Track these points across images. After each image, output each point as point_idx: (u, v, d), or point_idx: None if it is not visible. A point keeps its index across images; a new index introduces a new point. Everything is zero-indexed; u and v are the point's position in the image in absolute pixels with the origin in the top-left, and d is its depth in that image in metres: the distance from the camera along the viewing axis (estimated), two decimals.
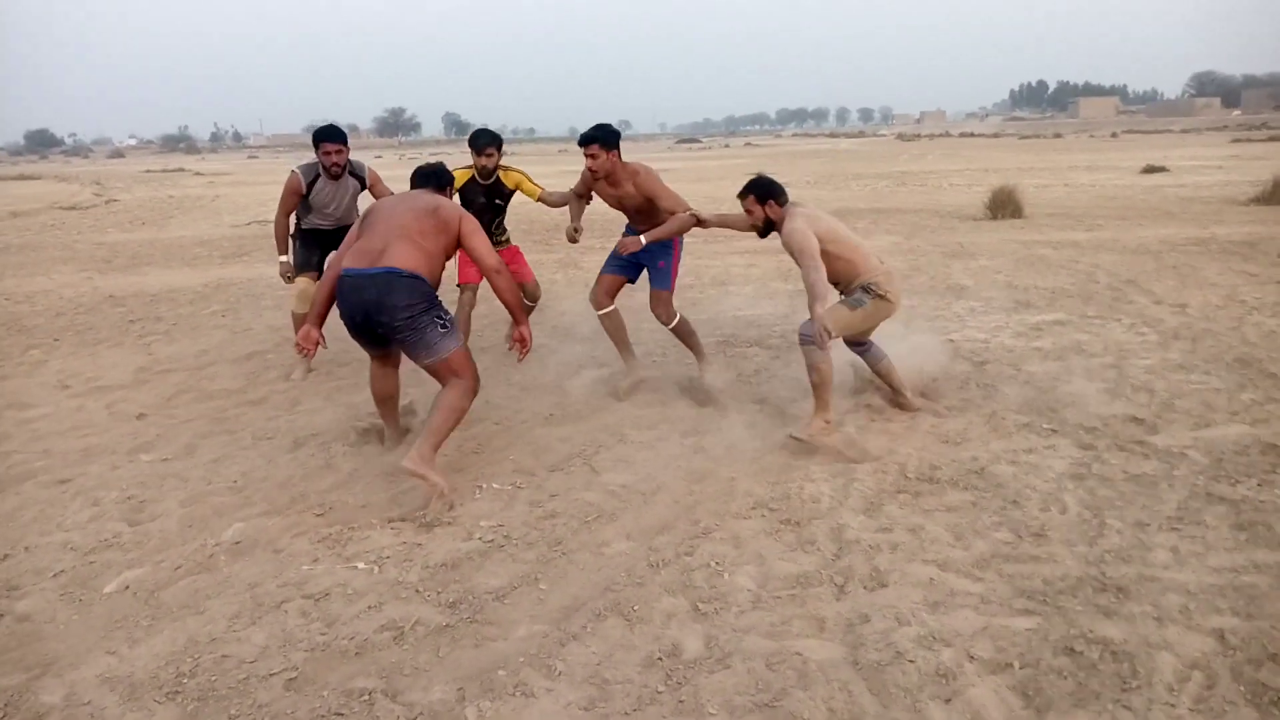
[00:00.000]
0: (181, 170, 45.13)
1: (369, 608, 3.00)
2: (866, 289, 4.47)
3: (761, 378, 5.49)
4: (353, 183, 5.84)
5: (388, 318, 3.80)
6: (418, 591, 3.09)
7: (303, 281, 5.82)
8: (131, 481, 4.15)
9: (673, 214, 4.99)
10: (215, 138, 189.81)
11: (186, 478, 4.18)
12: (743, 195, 4.60)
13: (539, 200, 5.85)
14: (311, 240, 5.90)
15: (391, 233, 3.93)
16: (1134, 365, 5.41)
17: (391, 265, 3.82)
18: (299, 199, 5.75)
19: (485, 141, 5.64)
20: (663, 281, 5.22)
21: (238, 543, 3.50)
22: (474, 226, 4.09)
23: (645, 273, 5.29)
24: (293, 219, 5.93)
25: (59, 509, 3.87)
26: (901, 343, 5.30)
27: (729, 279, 9.04)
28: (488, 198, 5.82)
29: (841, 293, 4.58)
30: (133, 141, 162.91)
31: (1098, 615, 2.79)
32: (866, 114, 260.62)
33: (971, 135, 64.48)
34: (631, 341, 5.45)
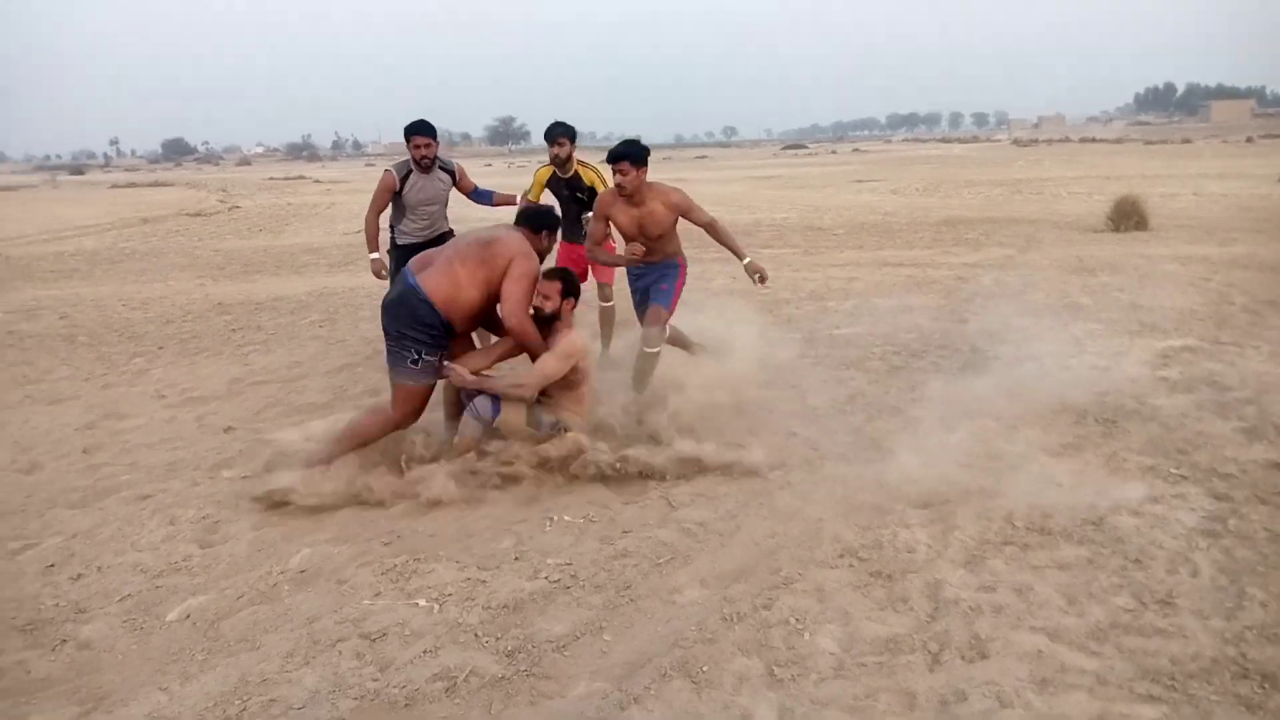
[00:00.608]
0: (302, 178, 46.93)
1: (425, 652, 2.85)
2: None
3: (856, 405, 5.18)
4: (443, 176, 5.93)
5: (387, 324, 4.17)
6: (476, 636, 2.93)
7: None
8: (209, 500, 4.14)
9: (710, 223, 5.02)
10: (336, 145, 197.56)
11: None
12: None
13: None
14: (408, 258, 5.89)
15: (442, 254, 4.22)
16: (1276, 401, 4.87)
17: (418, 284, 4.12)
18: (391, 195, 5.86)
19: (557, 132, 5.87)
20: (664, 299, 5.10)
21: (303, 571, 3.42)
22: (520, 273, 4.15)
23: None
24: (389, 236, 6.01)
25: (136, 527, 3.88)
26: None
27: (827, 293, 8.69)
28: (569, 190, 6.02)
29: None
30: (259, 149, 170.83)
31: (1237, 708, 2.42)
32: (981, 119, 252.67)
33: (1093, 140, 61.65)
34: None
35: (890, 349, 6.40)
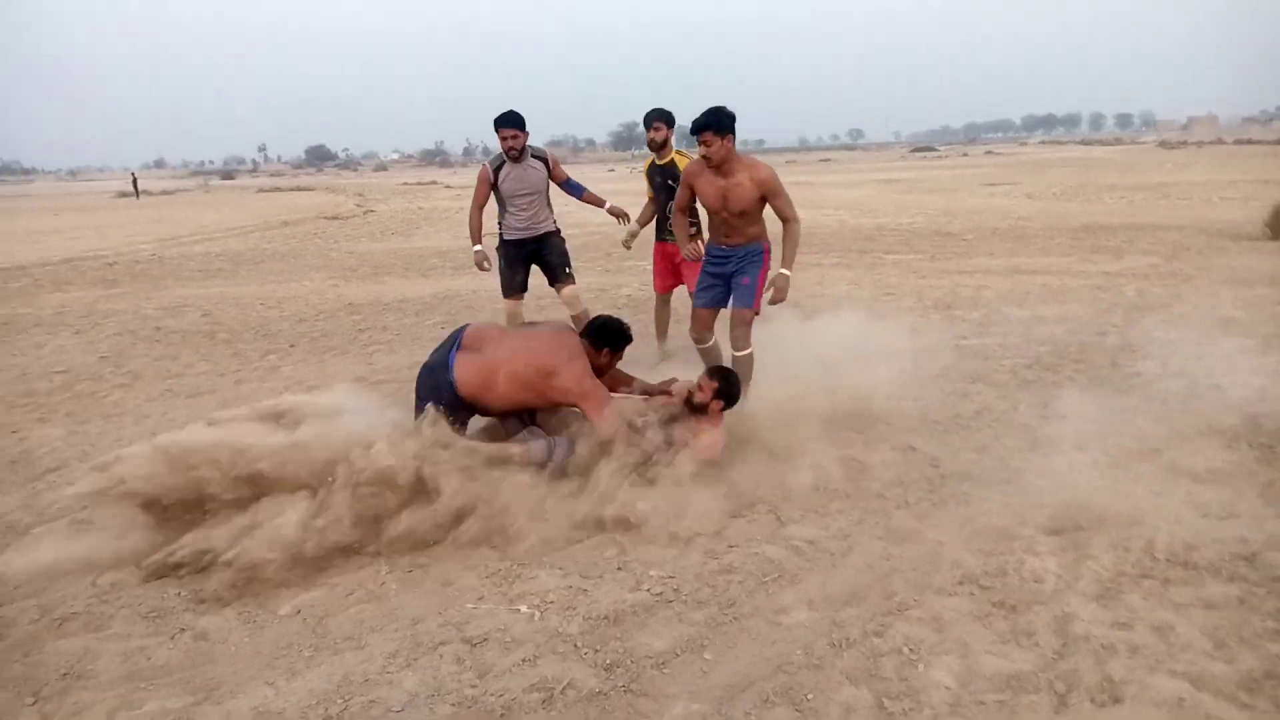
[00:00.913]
0: (434, 183, 48.50)
1: (524, 660, 2.82)
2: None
3: (983, 420, 4.91)
4: (534, 164, 6.03)
5: (417, 387, 4.23)
6: (576, 647, 2.88)
7: (509, 304, 6.05)
8: None
9: (787, 221, 4.89)
10: (467, 152, 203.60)
11: None
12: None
13: None
14: (514, 254, 6.10)
15: (500, 347, 4.16)
16: None
17: (453, 364, 4.10)
18: (489, 188, 6.02)
19: (654, 116, 5.95)
20: (746, 299, 4.93)
21: (410, 571, 3.45)
22: (585, 397, 4.06)
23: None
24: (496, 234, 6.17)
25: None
26: None
27: (955, 302, 8.33)
28: (663, 178, 6.07)
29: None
30: (395, 156, 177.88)
31: None
32: (1124, 119, 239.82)
33: (1249, 142, 57.60)
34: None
35: (1021, 362, 6.07)
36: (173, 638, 3.06)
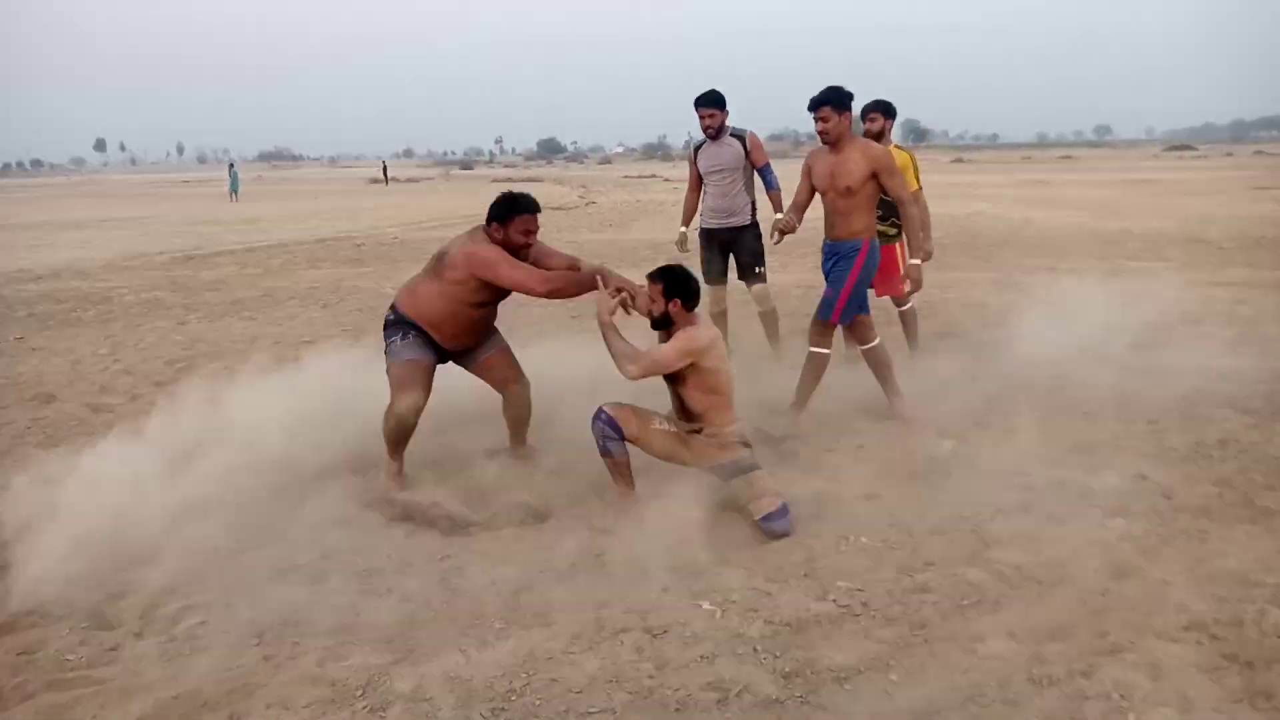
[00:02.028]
0: (654, 176, 49.46)
1: (702, 657, 2.81)
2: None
3: (1228, 451, 4.41)
4: (731, 143, 6.07)
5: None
6: (755, 650, 2.83)
7: (709, 289, 6.14)
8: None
9: (901, 204, 4.72)
10: (687, 145, 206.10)
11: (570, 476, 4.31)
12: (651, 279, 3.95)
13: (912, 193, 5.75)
14: (711, 242, 6.21)
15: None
16: None
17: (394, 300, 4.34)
18: (694, 168, 6.22)
19: (870, 107, 5.82)
20: (824, 310, 4.83)
21: (599, 555, 3.53)
22: (488, 266, 4.04)
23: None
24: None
25: None
26: None
27: (1205, 316, 7.53)
28: None
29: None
30: (620, 149, 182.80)
31: None
32: None
33: None
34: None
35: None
36: (380, 596, 3.28)
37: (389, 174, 54.55)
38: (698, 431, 3.87)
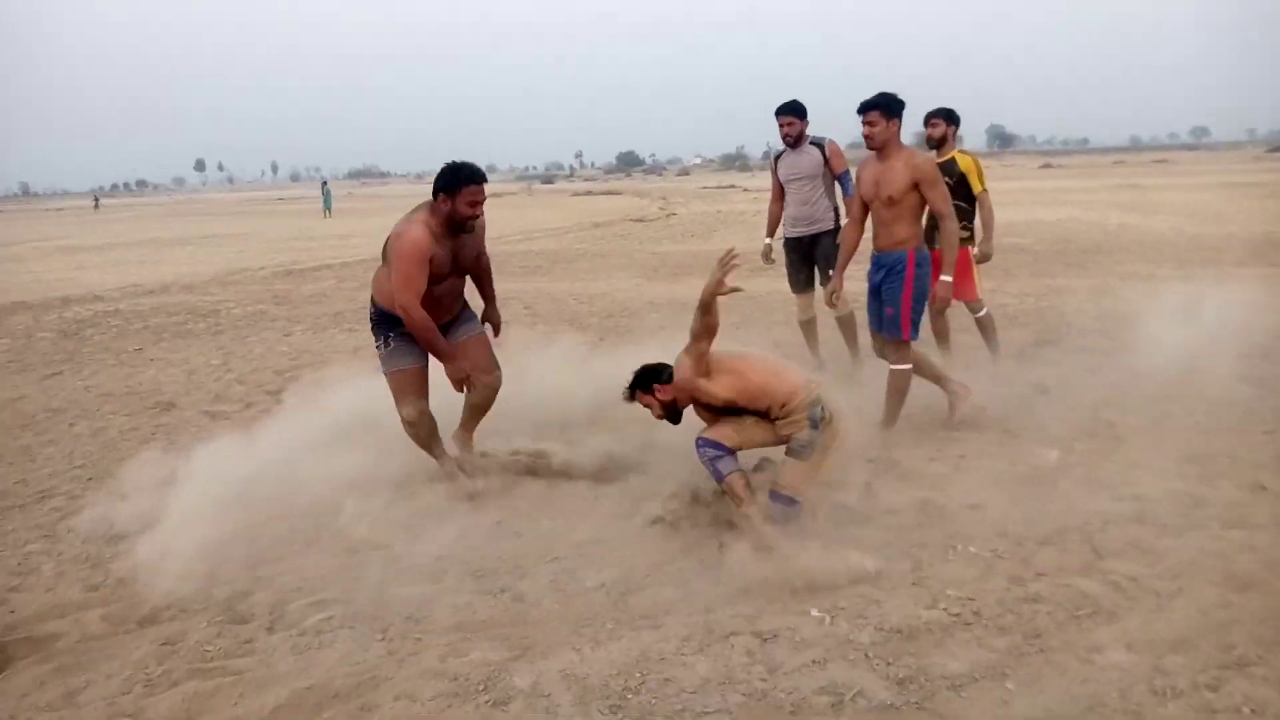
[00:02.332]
0: (733, 187, 49.36)
1: (813, 662, 2.83)
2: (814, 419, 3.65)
3: None
4: (810, 150, 6.10)
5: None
6: (866, 656, 2.85)
7: (798, 300, 6.19)
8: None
9: (941, 217, 4.61)
10: (766, 155, 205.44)
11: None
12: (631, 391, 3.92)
13: (977, 196, 5.83)
14: (793, 252, 6.26)
15: None
16: None
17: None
18: (775, 177, 6.26)
19: (932, 113, 5.90)
20: (893, 329, 4.75)
21: (702, 560, 3.57)
22: (395, 257, 4.01)
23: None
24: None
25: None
26: None
27: None
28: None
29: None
30: (698, 160, 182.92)
31: None
32: None
33: None
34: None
35: None
36: (494, 595, 3.39)
37: None
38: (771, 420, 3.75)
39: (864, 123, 4.61)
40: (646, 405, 3.86)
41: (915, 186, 4.57)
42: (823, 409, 3.63)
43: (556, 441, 4.81)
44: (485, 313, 4.66)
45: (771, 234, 6.61)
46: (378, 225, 28.88)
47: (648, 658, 2.91)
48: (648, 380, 3.82)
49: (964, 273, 5.85)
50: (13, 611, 3.49)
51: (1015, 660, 2.78)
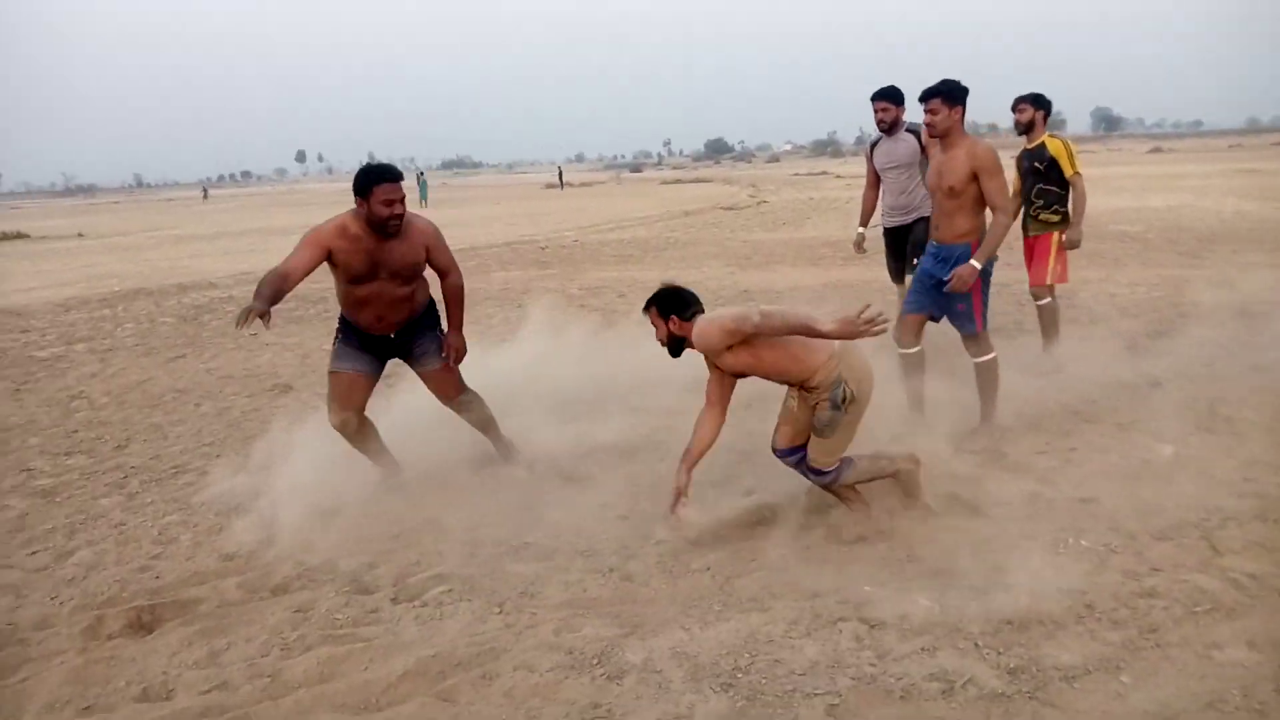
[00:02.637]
0: (825, 174, 48.74)
1: (922, 649, 2.86)
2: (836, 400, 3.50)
3: None
4: (906, 138, 5.99)
5: None
6: (976, 645, 2.86)
7: (898, 289, 6.14)
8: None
9: (995, 209, 4.46)
10: (859, 141, 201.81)
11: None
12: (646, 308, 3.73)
13: (1069, 179, 5.74)
14: (890, 241, 6.23)
15: None
16: None
17: None
18: (870, 165, 6.20)
19: (1020, 99, 5.81)
20: (967, 325, 4.66)
21: (808, 547, 3.62)
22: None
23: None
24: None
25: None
26: None
27: None
28: (1030, 162, 5.82)
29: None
30: (788, 146, 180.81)
31: None
32: None
33: None
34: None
35: None
36: (604, 575, 3.51)
37: (564, 179, 56.25)
38: (809, 390, 3.58)
39: (925, 110, 4.55)
40: (654, 325, 3.66)
41: (975, 177, 4.47)
42: (844, 389, 3.47)
43: (659, 422, 4.90)
44: (447, 338, 4.46)
45: (865, 223, 6.56)
46: (472, 214, 29.53)
47: (756, 639, 2.98)
48: (669, 307, 3.60)
49: (1041, 257, 5.85)
50: (158, 577, 3.75)
51: (1130, 654, 2.75)
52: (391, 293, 4.18)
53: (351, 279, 4.10)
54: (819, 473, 3.65)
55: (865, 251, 6.61)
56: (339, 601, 3.43)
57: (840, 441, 3.58)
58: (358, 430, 4.36)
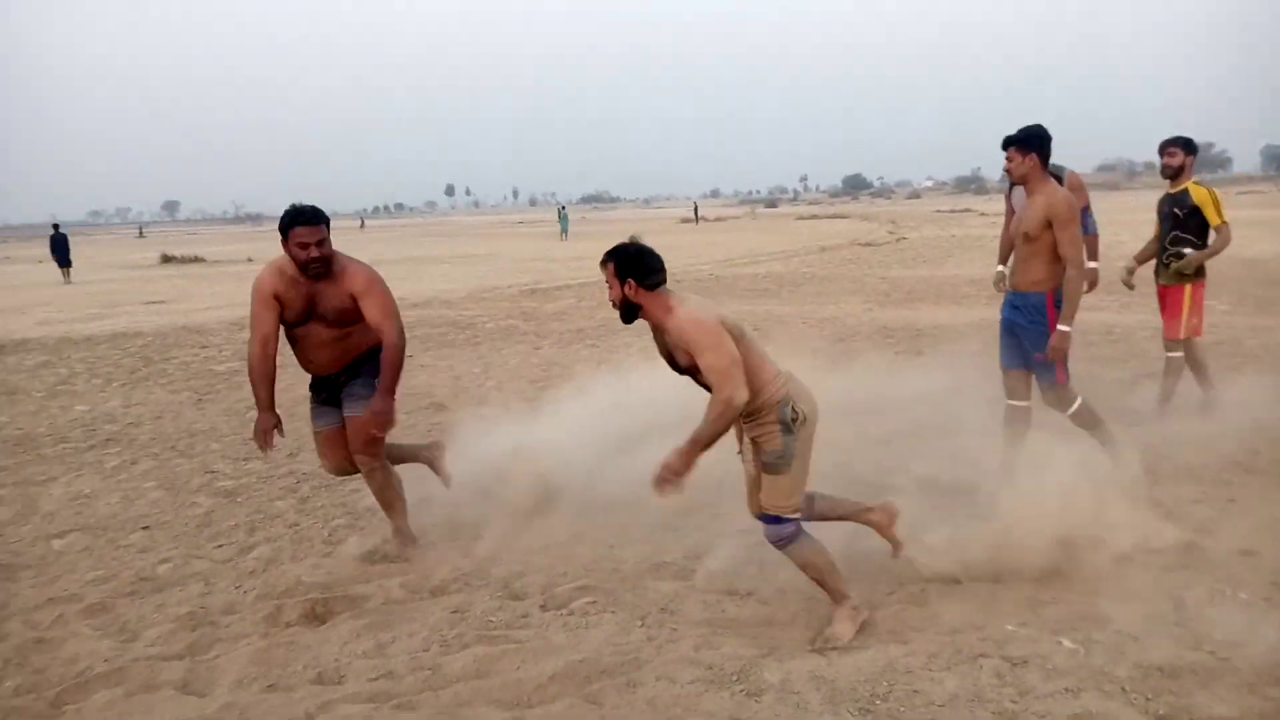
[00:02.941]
0: (968, 210, 47.53)
1: (1065, 690, 2.83)
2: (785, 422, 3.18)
3: None
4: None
5: None
6: (1123, 690, 2.81)
7: None
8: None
9: (1066, 261, 4.30)
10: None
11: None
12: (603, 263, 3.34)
13: (1215, 229, 5.54)
14: None
15: None
16: None
17: None
18: (1009, 204, 5.92)
19: (1167, 142, 5.63)
20: (1048, 375, 4.51)
21: (950, 584, 3.61)
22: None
23: None
24: None
25: None
26: None
27: None
28: (1169, 207, 5.71)
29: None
30: (929, 183, 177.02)
31: None
32: None
33: None
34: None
35: None
36: (741, 597, 3.61)
37: (699, 213, 56.80)
38: (752, 418, 3.24)
39: (1006, 157, 4.59)
40: (608, 284, 3.30)
41: (1050, 225, 4.39)
42: (793, 408, 3.19)
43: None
44: (372, 399, 4.05)
45: (1004, 261, 6.43)
46: (608, 247, 30.20)
47: (895, 669, 3.02)
48: (629, 269, 3.24)
49: (1174, 309, 5.69)
50: (329, 574, 4.08)
51: None
52: (319, 334, 4.08)
53: (289, 320, 4.06)
54: (777, 521, 3.26)
55: (1005, 290, 6.48)
56: (493, 605, 3.65)
57: (796, 478, 3.23)
58: (368, 476, 4.28)
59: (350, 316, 4.05)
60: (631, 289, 3.23)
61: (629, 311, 3.29)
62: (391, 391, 4.01)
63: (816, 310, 12.05)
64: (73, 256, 25.04)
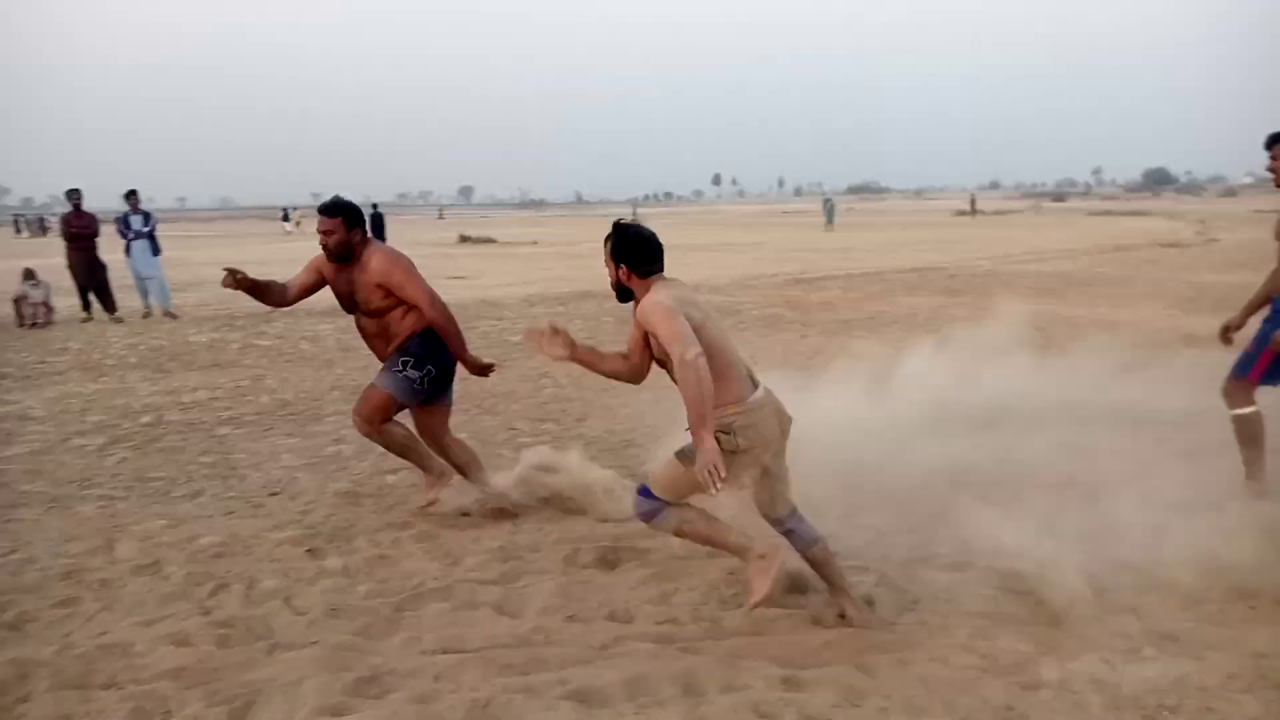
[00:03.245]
0: None
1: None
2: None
3: None
4: None
5: None
6: None
7: None
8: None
9: None
10: None
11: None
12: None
13: None
14: None
15: None
16: None
17: None
18: None
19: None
20: (1238, 366, 4.41)
21: (1253, 606, 3.38)
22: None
23: None
24: None
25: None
26: None
27: None
28: None
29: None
30: (1248, 179, 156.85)
31: None
32: None
33: None
34: None
35: None
36: (1019, 595, 3.56)
37: (975, 206, 54.00)
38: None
39: (1270, 156, 4.24)
40: (606, 265, 3.42)
41: None
42: (732, 436, 3.15)
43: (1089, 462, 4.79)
44: (462, 358, 4.58)
45: None
46: (878, 240, 29.54)
47: (1187, 684, 2.90)
48: (622, 253, 3.33)
49: None
50: (617, 526, 4.46)
51: None
52: (366, 325, 4.57)
53: (342, 305, 4.59)
54: (644, 492, 3.41)
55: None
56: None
57: (686, 479, 3.19)
58: (373, 441, 4.66)
59: (381, 306, 4.44)
60: (624, 273, 3.35)
61: (623, 293, 3.45)
62: (465, 350, 4.52)
63: (1110, 314, 11.24)
64: (387, 235, 28.10)
